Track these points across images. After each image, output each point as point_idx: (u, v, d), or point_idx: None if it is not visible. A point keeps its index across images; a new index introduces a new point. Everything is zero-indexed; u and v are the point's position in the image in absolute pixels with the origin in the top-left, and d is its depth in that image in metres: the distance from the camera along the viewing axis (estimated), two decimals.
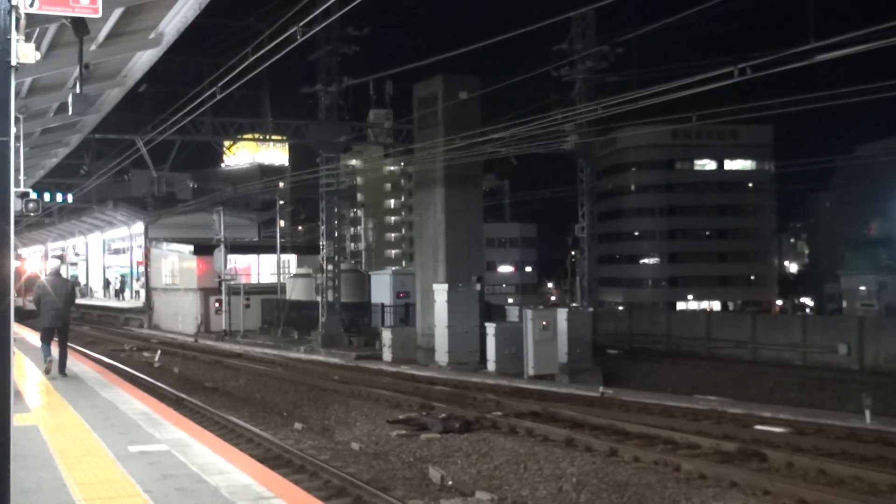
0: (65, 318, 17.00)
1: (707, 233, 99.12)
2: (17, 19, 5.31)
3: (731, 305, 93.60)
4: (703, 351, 35.18)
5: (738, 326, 35.47)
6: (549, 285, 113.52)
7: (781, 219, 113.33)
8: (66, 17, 7.12)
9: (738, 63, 18.62)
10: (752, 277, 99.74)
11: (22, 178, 19.11)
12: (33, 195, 16.75)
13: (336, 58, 38.53)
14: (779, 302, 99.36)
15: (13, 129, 5.22)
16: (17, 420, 10.96)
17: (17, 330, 18.06)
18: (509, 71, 77.09)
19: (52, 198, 33.28)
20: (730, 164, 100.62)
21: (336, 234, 41.95)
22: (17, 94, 14.44)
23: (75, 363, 19.62)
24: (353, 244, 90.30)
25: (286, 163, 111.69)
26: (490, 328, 28.83)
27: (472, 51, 22.28)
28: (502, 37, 21.20)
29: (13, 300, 5.16)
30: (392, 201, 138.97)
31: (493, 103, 43.12)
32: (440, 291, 30.61)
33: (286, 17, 17.63)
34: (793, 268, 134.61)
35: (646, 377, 30.37)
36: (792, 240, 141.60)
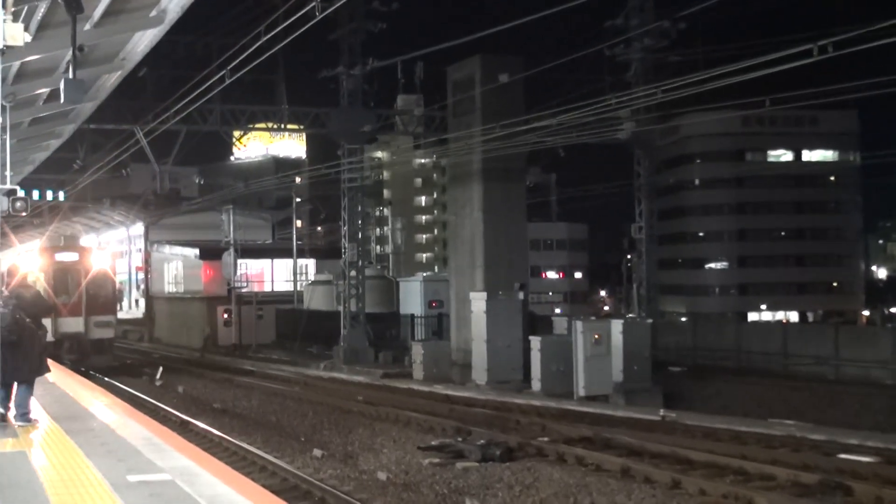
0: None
1: (783, 233, 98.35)
2: None
3: (810, 316, 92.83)
4: (778, 368, 34.85)
5: (818, 340, 35.09)
6: (602, 293, 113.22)
7: (868, 217, 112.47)
8: None
9: (818, 40, 18.48)
10: (835, 284, 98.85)
11: (8, 173, 19.36)
12: (21, 193, 17.00)
13: (360, 36, 38.57)
14: (866, 312, 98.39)
15: None
16: (3, 446, 11.07)
17: None
18: (556, 50, 77.10)
19: (42, 196, 33.61)
20: (808, 155, 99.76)
21: (360, 236, 42.07)
22: (3, 80, 14.60)
23: (69, 383, 19.79)
24: (379, 247, 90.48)
25: (303, 155, 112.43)
26: (535, 342, 28.73)
27: (515, 27, 22.18)
28: (548, 11, 21.11)
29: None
30: (423, 198, 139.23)
31: (538, 87, 43.05)
32: (478, 300, 30.57)
33: None
34: (881, 273, 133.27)
35: (712, 398, 30.14)
36: (881, 241, 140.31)
